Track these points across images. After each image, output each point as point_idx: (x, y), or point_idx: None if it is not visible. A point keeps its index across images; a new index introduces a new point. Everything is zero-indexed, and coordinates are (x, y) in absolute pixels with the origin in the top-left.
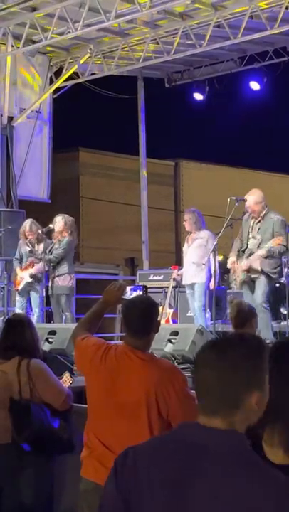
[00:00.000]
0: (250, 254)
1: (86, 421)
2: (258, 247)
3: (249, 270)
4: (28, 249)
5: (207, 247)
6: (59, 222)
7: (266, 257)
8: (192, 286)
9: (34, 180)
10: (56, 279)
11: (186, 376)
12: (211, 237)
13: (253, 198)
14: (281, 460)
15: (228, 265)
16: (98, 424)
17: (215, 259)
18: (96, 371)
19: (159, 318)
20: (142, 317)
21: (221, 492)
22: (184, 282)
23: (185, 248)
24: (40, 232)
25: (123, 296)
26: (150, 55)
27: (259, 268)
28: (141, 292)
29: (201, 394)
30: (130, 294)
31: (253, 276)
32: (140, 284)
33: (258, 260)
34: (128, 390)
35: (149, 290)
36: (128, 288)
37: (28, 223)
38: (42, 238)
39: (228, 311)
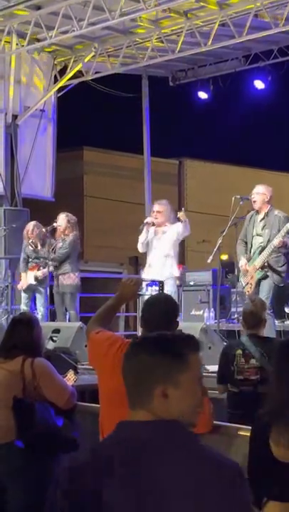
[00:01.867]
0: (261, 252)
1: (99, 419)
2: (268, 242)
3: (263, 267)
4: (32, 249)
5: (178, 241)
6: (62, 220)
7: (276, 251)
8: (161, 282)
9: (38, 179)
10: (60, 277)
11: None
12: (180, 230)
13: (261, 187)
14: (288, 459)
15: (245, 266)
16: (112, 422)
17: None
18: (110, 367)
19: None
20: (163, 317)
21: (166, 481)
22: (150, 276)
23: (152, 240)
24: (42, 234)
25: (139, 292)
26: (155, 53)
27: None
28: (157, 288)
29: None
30: (146, 289)
31: (268, 273)
32: (156, 280)
33: (279, 239)
34: None
35: None
36: (144, 283)
37: (30, 226)
38: (45, 240)
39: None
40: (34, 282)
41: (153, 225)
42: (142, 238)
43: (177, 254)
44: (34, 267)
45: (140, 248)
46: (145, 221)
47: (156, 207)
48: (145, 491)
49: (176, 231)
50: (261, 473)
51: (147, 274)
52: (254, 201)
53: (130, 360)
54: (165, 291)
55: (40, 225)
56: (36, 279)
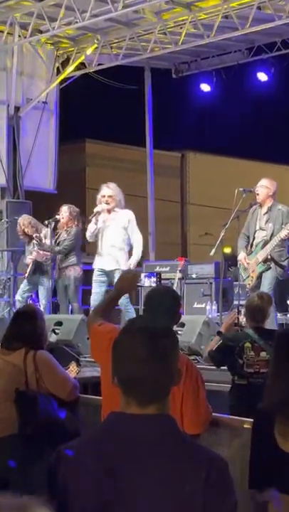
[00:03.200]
0: (264, 245)
1: (101, 411)
2: (271, 236)
3: (266, 260)
4: (36, 242)
5: (128, 229)
6: (65, 212)
7: (279, 245)
8: (110, 273)
9: (40, 171)
10: (65, 269)
11: (200, 371)
12: (132, 218)
13: (265, 181)
14: None
15: (244, 262)
16: None
17: (135, 240)
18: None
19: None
20: (164, 309)
21: (158, 475)
22: (99, 267)
23: (101, 228)
24: (37, 226)
25: (138, 284)
26: (157, 45)
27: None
28: (154, 279)
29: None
30: (144, 280)
31: (272, 265)
32: (154, 271)
33: (286, 230)
34: None
35: None
36: (142, 275)
37: (26, 222)
38: (34, 233)
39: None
40: (29, 262)
41: (105, 213)
42: (91, 228)
43: (128, 243)
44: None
45: (89, 238)
46: (95, 210)
47: (107, 191)
48: (136, 484)
49: (127, 218)
50: (266, 466)
51: (96, 264)
52: (257, 194)
53: (148, 350)
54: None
55: (30, 218)
56: (34, 261)
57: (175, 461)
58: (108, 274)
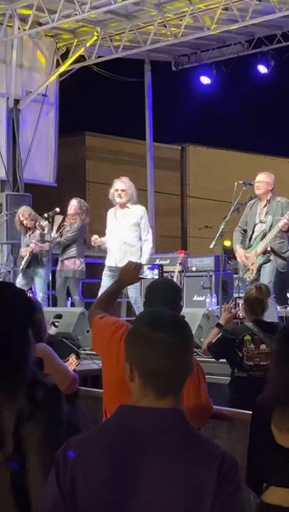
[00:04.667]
0: (264, 237)
1: (102, 403)
2: (270, 227)
3: (265, 251)
4: (39, 232)
5: (140, 226)
6: (74, 205)
7: (280, 236)
8: (161, 266)
9: (40, 164)
10: (65, 261)
11: (200, 364)
12: (145, 215)
13: (264, 175)
14: None
15: (239, 259)
16: (115, 406)
17: (147, 241)
18: (114, 352)
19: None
20: (165, 300)
21: (166, 470)
22: (111, 263)
23: (112, 225)
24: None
25: (139, 275)
26: (157, 38)
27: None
28: (156, 271)
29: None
30: (147, 273)
31: (271, 257)
32: (156, 263)
33: (284, 220)
34: None
35: None
36: (145, 267)
37: (25, 214)
38: (34, 224)
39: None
40: (29, 257)
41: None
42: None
43: (140, 239)
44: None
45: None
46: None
47: (120, 185)
48: (145, 478)
49: (139, 214)
50: (262, 459)
51: (108, 260)
52: (258, 188)
53: (167, 343)
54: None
55: (31, 210)
56: (31, 253)
57: (186, 456)
58: (116, 269)
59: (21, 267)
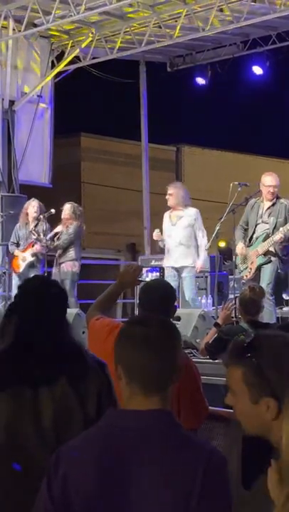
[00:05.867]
0: (266, 238)
1: None
2: (274, 229)
3: (266, 253)
4: (31, 228)
5: (195, 226)
6: (67, 209)
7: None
8: (179, 269)
9: (36, 165)
10: (62, 264)
11: (196, 365)
12: (199, 216)
13: (274, 179)
14: None
15: (237, 251)
16: None
17: (202, 239)
18: (109, 354)
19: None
20: (160, 302)
21: (155, 473)
22: (167, 264)
23: (168, 227)
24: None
25: (139, 278)
26: (152, 39)
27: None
28: (158, 274)
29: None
30: (146, 275)
31: (272, 258)
32: (156, 266)
33: (279, 235)
34: None
35: None
36: (144, 270)
37: (35, 207)
38: (40, 220)
39: (240, 295)
40: (32, 259)
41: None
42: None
43: (194, 239)
44: (29, 246)
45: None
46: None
47: (168, 189)
48: (132, 479)
49: (193, 216)
50: (256, 459)
51: (165, 262)
52: (271, 193)
53: (151, 342)
54: (186, 285)
55: (41, 205)
56: (34, 255)
57: (173, 457)
58: (178, 270)
59: (21, 270)
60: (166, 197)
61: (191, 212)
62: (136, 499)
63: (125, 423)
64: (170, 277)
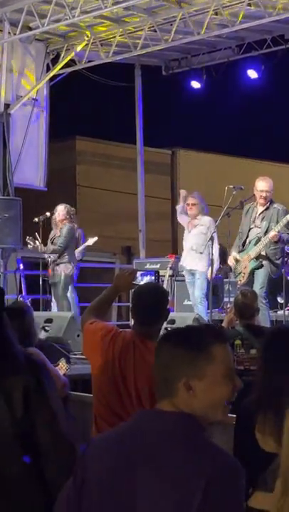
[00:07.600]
0: (258, 241)
1: (92, 408)
2: (265, 233)
3: (258, 257)
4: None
5: (207, 234)
6: (61, 211)
7: (274, 243)
8: (192, 272)
9: (31, 168)
10: (56, 267)
11: None
12: (212, 225)
13: (267, 183)
14: (272, 448)
15: (229, 262)
16: (106, 411)
17: (214, 247)
18: (104, 357)
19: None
20: (152, 305)
21: (164, 472)
22: (183, 264)
23: (186, 234)
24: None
25: (134, 282)
26: (148, 42)
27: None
28: (153, 277)
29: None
30: (141, 279)
31: (264, 262)
32: (152, 269)
33: (274, 232)
34: (135, 378)
35: None
36: (138, 273)
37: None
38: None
39: (233, 299)
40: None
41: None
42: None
43: (206, 247)
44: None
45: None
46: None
47: (191, 199)
48: (147, 480)
49: (206, 225)
50: (247, 463)
51: (183, 260)
52: (264, 198)
53: (157, 352)
54: (197, 286)
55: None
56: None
57: (185, 461)
58: (189, 272)
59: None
60: (189, 207)
61: (205, 221)
62: (142, 505)
63: (143, 425)
64: (185, 275)
